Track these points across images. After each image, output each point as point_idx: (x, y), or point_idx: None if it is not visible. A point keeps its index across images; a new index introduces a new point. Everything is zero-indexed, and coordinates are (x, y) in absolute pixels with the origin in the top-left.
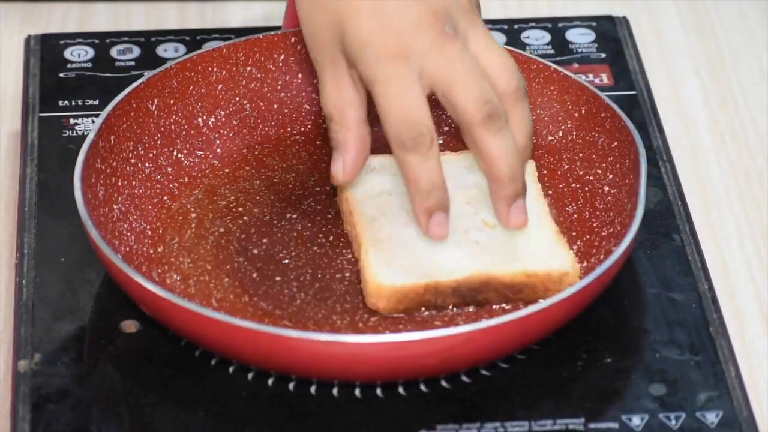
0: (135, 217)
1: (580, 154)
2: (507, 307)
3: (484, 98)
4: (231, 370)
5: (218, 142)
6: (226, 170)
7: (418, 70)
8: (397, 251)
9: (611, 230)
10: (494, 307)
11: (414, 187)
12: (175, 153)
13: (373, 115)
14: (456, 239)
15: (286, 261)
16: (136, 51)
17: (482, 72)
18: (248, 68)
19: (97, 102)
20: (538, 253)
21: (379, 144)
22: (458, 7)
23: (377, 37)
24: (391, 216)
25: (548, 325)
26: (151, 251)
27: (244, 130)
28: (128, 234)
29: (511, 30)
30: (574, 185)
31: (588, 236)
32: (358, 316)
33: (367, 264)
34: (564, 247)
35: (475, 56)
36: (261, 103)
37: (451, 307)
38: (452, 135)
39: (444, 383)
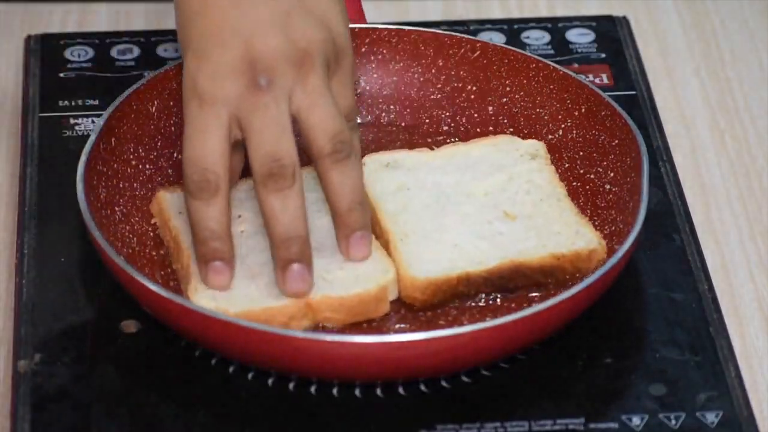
0: (137, 219)
1: (581, 153)
2: (512, 305)
3: (272, 155)
4: (231, 370)
5: None
6: None
7: (228, 116)
8: (425, 244)
9: (613, 228)
10: (498, 303)
11: (194, 231)
12: (175, 155)
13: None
14: (480, 230)
15: None
16: (136, 51)
17: (286, 127)
18: None
19: (97, 102)
20: (563, 235)
21: (389, 139)
22: (288, 60)
23: (192, 77)
24: (413, 210)
25: (551, 325)
26: (154, 253)
27: None
28: (130, 236)
29: (511, 30)
30: (575, 184)
31: None
32: None
33: (398, 258)
34: (587, 226)
35: (297, 111)
36: None
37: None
38: (451, 134)
39: (444, 383)
